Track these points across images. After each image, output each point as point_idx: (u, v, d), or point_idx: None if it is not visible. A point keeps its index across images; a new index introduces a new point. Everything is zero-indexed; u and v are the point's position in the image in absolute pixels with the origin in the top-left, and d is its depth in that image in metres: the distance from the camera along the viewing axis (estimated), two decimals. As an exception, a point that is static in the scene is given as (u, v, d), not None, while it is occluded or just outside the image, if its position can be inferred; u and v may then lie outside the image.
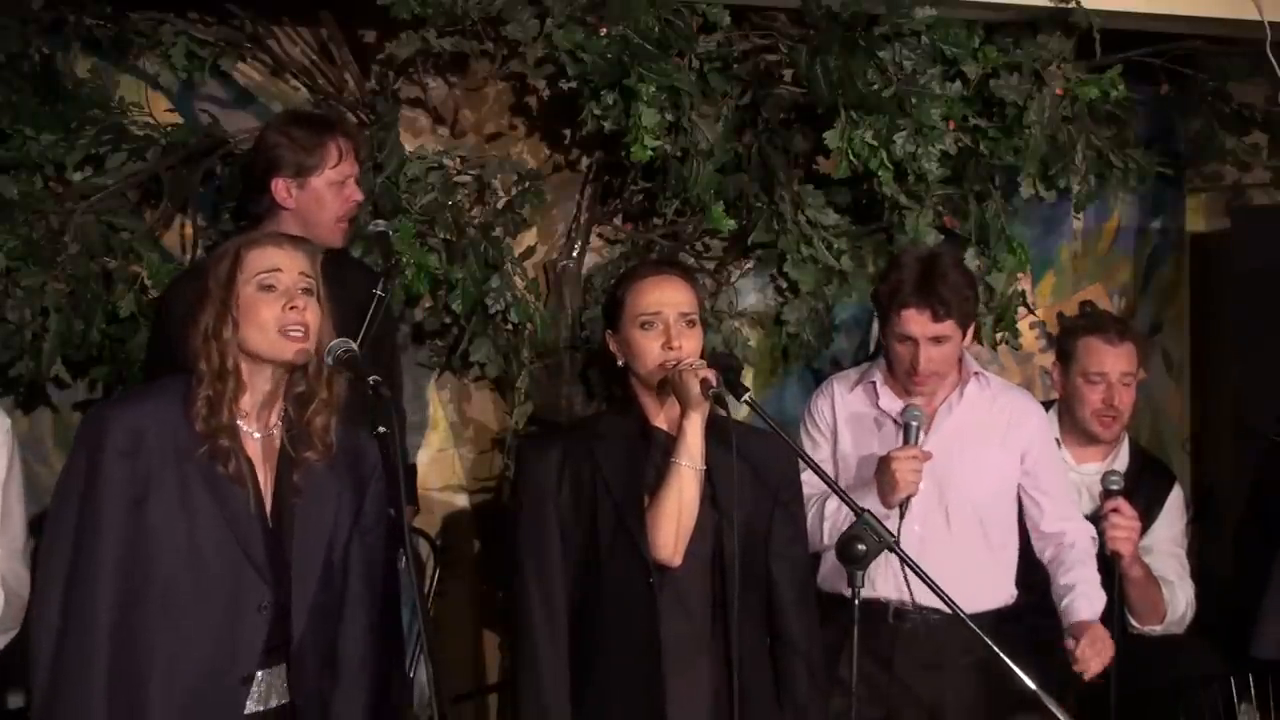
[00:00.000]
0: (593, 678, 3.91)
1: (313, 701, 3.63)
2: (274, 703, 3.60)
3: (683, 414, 3.91)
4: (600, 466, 3.94)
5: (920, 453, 4.42)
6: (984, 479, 4.65)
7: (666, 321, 3.93)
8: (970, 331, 4.69)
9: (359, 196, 4.67)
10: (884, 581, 4.52)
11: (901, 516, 4.36)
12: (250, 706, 3.56)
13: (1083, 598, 4.56)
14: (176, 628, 3.49)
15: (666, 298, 3.96)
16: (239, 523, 3.54)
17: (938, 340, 4.53)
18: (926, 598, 4.28)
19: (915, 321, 4.52)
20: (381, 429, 3.45)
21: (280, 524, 3.61)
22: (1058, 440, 5.00)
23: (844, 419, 4.72)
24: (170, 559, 3.49)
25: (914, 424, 4.47)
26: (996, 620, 4.53)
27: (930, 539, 4.51)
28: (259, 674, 3.57)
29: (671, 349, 3.92)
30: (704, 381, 3.86)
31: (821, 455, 4.68)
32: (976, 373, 4.73)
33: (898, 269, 4.60)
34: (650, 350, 3.94)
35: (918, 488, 4.42)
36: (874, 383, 4.71)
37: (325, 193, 4.60)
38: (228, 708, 3.53)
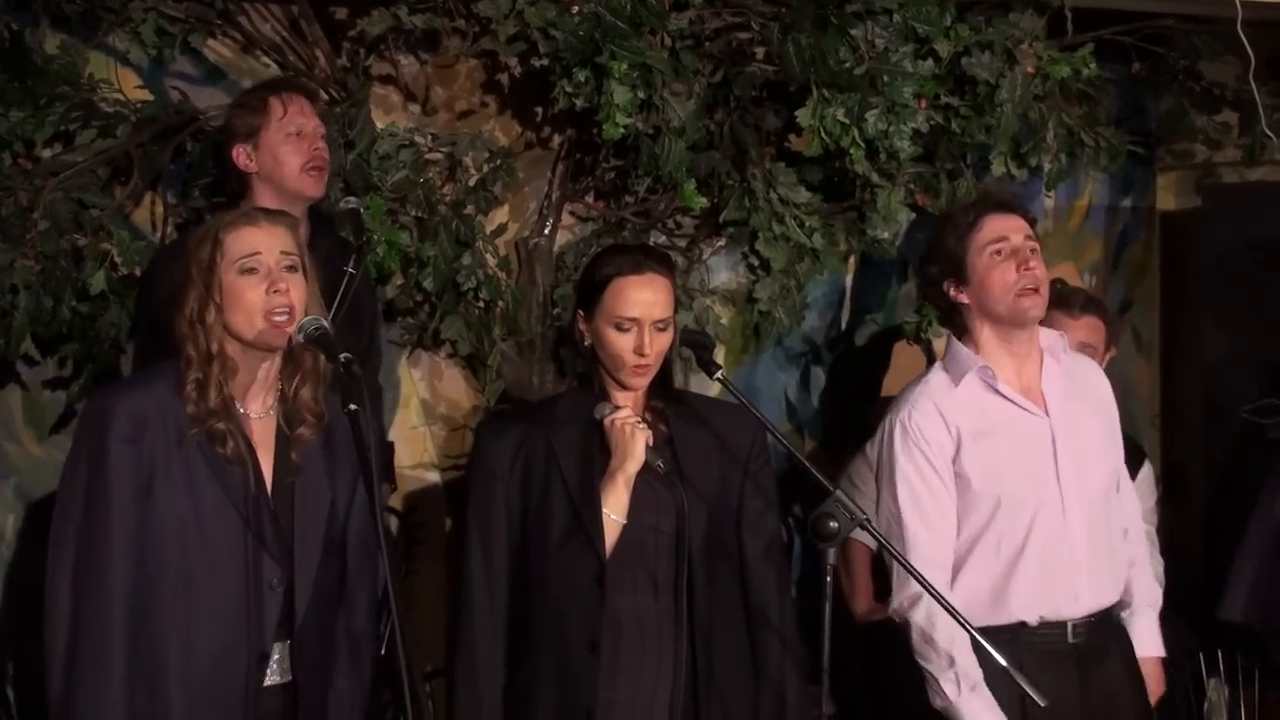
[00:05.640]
0: (530, 664, 3.93)
1: (314, 679, 3.64)
2: (281, 679, 3.61)
3: (616, 465, 3.91)
4: (556, 456, 3.94)
5: None
6: (1105, 452, 4.32)
7: (642, 327, 3.92)
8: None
9: (319, 146, 4.68)
10: (1062, 595, 4.21)
11: None
12: (265, 683, 3.58)
13: (1141, 626, 4.38)
14: (191, 610, 3.50)
15: (645, 301, 3.93)
16: (243, 503, 3.55)
17: None
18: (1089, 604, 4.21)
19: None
20: (352, 406, 3.45)
21: (281, 503, 3.61)
22: None
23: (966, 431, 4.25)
24: (180, 542, 3.50)
25: None
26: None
27: (1104, 532, 4.25)
28: (272, 651, 3.58)
29: (642, 355, 3.92)
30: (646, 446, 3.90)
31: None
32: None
33: None
34: (621, 353, 3.93)
35: None
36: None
37: (280, 147, 4.62)
38: (243, 684, 3.54)
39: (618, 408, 3.94)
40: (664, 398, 4.04)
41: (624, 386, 3.98)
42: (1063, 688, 4.09)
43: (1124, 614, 4.34)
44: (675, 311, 4.00)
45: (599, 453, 3.95)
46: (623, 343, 3.92)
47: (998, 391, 4.21)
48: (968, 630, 3.87)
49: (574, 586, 3.89)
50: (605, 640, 3.88)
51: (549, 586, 3.92)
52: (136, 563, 3.49)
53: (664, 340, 3.95)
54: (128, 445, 3.49)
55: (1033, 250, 4.18)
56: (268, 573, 3.56)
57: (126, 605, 3.47)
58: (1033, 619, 4.17)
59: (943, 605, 3.87)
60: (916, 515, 4.18)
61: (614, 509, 3.90)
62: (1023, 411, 4.22)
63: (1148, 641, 4.37)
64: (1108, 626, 4.28)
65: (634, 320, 3.91)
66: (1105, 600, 4.26)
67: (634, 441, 3.89)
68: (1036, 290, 4.16)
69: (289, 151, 4.62)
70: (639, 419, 3.93)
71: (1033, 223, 4.25)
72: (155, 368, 3.69)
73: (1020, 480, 4.19)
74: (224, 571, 3.52)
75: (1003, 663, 3.80)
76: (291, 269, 3.59)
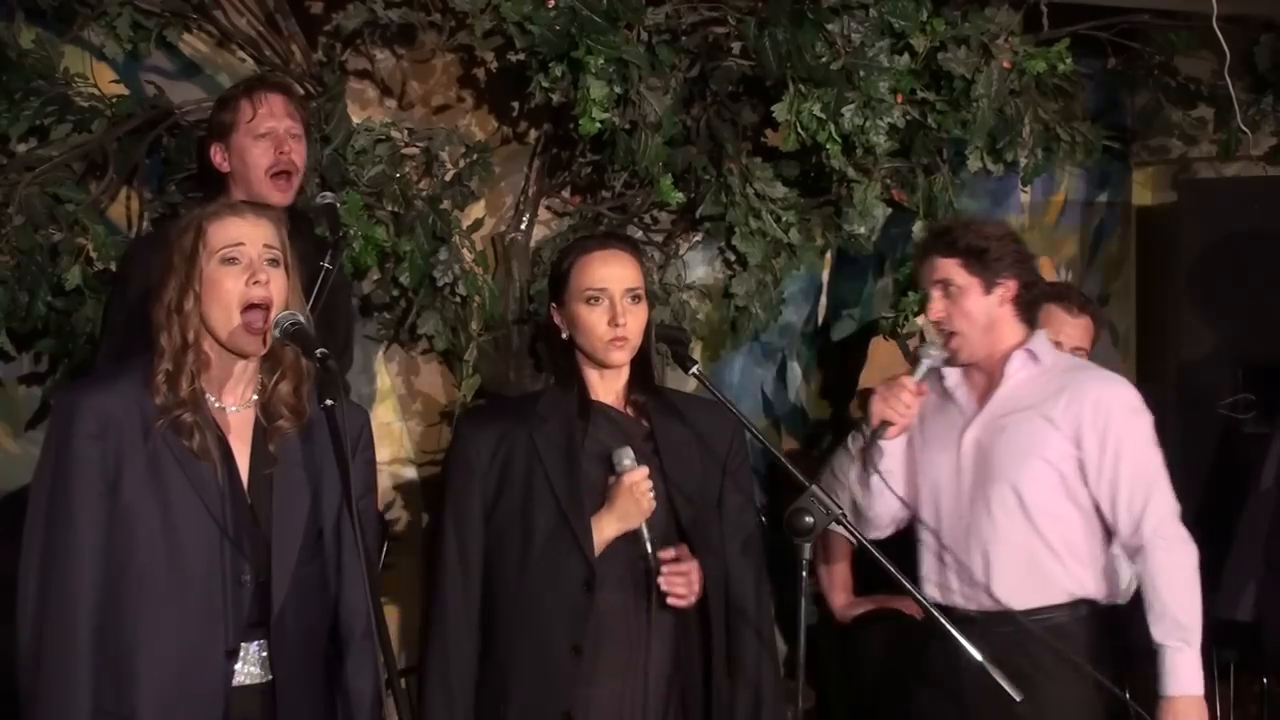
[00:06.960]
0: (506, 661, 3.92)
1: (296, 677, 3.59)
2: (258, 678, 3.56)
3: (615, 516, 3.89)
4: (539, 453, 3.93)
5: (911, 384, 4.24)
6: (1025, 461, 4.29)
7: (612, 298, 3.91)
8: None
9: (287, 148, 4.60)
10: (954, 582, 4.33)
11: (873, 444, 4.30)
12: (236, 680, 3.53)
13: (1171, 661, 4.21)
14: (158, 604, 3.47)
15: (612, 273, 3.94)
16: (210, 497, 3.51)
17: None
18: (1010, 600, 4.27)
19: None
20: (328, 401, 3.44)
21: (259, 495, 3.59)
22: None
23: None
24: (147, 537, 3.47)
25: (925, 360, 4.27)
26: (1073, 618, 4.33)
27: (978, 526, 4.29)
28: (243, 648, 3.54)
29: (617, 326, 3.91)
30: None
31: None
32: (1030, 348, 4.35)
33: None
34: (595, 327, 3.93)
35: (897, 420, 4.23)
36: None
37: (249, 150, 4.57)
38: (214, 681, 3.50)
39: (637, 464, 3.88)
40: (645, 391, 4.04)
41: (605, 366, 3.96)
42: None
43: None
44: (647, 287, 4.00)
45: (586, 458, 3.93)
46: (595, 316, 3.91)
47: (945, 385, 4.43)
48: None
49: (560, 589, 3.87)
50: (588, 638, 3.88)
51: (531, 585, 3.90)
52: (104, 559, 3.46)
53: (639, 313, 3.94)
54: (93, 441, 3.47)
55: None
56: (237, 567, 3.52)
57: (92, 602, 3.45)
58: (935, 597, 4.28)
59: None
60: None
61: (598, 542, 3.89)
62: (952, 403, 4.41)
63: (1165, 679, 4.23)
64: (1015, 629, 4.26)
65: (602, 290, 3.91)
66: (1013, 602, 4.28)
67: (640, 505, 3.87)
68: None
69: (257, 154, 4.57)
70: (651, 486, 3.89)
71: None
72: (127, 363, 3.67)
73: (927, 463, 4.39)
74: (192, 567, 3.48)
75: (978, 657, 3.82)
76: (274, 262, 3.56)
